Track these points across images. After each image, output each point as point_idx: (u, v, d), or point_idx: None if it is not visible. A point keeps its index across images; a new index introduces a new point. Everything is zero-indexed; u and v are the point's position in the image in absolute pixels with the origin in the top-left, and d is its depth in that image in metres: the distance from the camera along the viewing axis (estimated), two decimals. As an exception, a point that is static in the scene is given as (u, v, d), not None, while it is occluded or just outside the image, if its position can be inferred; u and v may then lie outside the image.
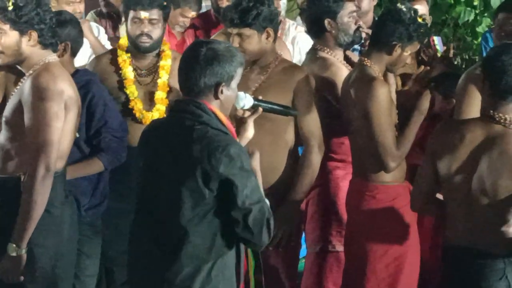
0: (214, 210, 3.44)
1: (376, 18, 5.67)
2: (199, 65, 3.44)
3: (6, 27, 3.91)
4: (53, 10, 4.38)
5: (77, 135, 4.17)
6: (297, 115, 4.28)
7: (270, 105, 3.89)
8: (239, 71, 3.51)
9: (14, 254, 3.81)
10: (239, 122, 3.66)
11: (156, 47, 4.87)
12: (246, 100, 3.70)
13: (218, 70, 3.44)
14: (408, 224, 4.39)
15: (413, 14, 4.45)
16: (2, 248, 3.86)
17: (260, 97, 3.92)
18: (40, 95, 3.85)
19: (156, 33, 4.79)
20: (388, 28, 4.40)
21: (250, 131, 3.67)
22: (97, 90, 4.56)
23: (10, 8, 3.88)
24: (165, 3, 4.81)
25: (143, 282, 3.62)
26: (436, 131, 3.95)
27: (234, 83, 3.51)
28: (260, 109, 3.75)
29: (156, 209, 3.54)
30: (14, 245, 3.81)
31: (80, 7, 6.38)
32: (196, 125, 3.43)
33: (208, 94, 3.45)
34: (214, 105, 3.46)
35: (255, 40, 4.42)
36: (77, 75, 4.40)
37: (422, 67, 4.62)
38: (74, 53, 4.61)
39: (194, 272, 3.47)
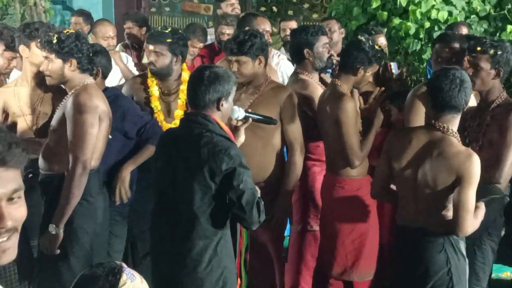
0: (218, 199, 3.48)
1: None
2: (203, 85, 3.49)
3: (52, 56, 3.92)
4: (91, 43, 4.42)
5: (110, 136, 4.15)
6: (276, 124, 4.25)
7: (256, 116, 3.97)
8: (234, 88, 3.58)
9: (53, 232, 3.83)
10: (234, 130, 3.70)
11: (163, 73, 4.76)
12: (239, 113, 3.76)
13: (219, 88, 3.49)
14: (369, 209, 4.40)
15: (371, 43, 4.48)
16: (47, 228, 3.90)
17: (250, 110, 4.01)
18: (79, 109, 3.86)
19: (160, 62, 4.70)
20: (352, 55, 4.41)
21: (242, 137, 3.75)
22: (125, 101, 4.55)
23: (55, 41, 3.90)
24: (169, 40, 4.69)
25: (163, 257, 3.65)
26: (391, 137, 3.96)
27: (231, 98, 3.57)
28: (250, 119, 3.83)
29: (173, 199, 3.57)
30: (54, 225, 3.83)
31: (113, 42, 6.44)
32: (204, 133, 3.47)
33: (212, 107, 3.51)
34: (216, 116, 3.51)
35: (249, 66, 4.39)
36: (107, 91, 4.38)
37: (378, 88, 4.65)
38: (104, 76, 4.58)
39: (203, 248, 3.52)
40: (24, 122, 4.29)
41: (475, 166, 3.44)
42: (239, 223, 3.63)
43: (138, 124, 4.49)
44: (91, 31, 6.52)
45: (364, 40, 4.51)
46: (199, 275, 3.53)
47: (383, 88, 4.55)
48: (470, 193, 3.44)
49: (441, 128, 3.56)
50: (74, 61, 3.93)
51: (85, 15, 7.59)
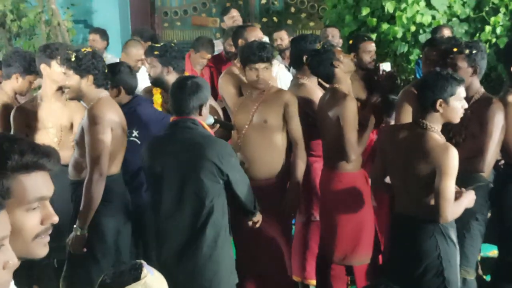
0: (224, 189, 3.62)
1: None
2: (187, 93, 3.58)
3: (70, 72, 3.92)
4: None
5: (139, 142, 4.17)
6: (234, 129, 4.35)
7: (221, 122, 4.18)
8: (210, 95, 3.74)
9: (78, 233, 3.82)
10: None
11: (158, 82, 4.69)
12: (210, 119, 3.88)
13: (200, 96, 3.60)
14: (364, 199, 4.38)
15: (319, 42, 4.54)
16: None
17: (216, 117, 4.12)
18: (92, 121, 3.84)
19: (152, 72, 4.63)
20: (321, 65, 4.37)
21: None
22: (145, 110, 4.44)
23: (73, 59, 3.90)
24: (156, 52, 4.62)
25: (181, 252, 3.65)
26: (382, 134, 4.00)
27: (208, 104, 3.70)
28: (218, 125, 4.04)
29: (181, 199, 3.60)
30: (79, 227, 3.82)
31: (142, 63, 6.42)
32: (196, 135, 3.59)
33: (195, 113, 3.61)
34: (200, 119, 3.63)
35: (270, 72, 4.41)
36: (132, 102, 4.38)
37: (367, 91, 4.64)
38: (128, 92, 4.44)
39: (215, 236, 3.60)
40: (47, 135, 4.28)
41: (451, 158, 3.38)
42: (244, 211, 3.88)
43: (163, 127, 4.47)
44: (123, 50, 6.43)
45: (316, 48, 4.48)
46: (214, 259, 3.61)
47: (378, 99, 4.53)
48: (448, 183, 3.38)
49: (423, 125, 3.52)
50: (90, 77, 3.92)
51: (101, 32, 7.60)
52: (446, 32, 5.88)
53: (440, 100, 3.46)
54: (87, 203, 3.81)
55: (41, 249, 1.66)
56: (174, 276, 3.23)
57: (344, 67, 4.38)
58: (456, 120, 3.57)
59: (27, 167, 1.60)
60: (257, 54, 4.31)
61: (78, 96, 4.00)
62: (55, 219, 1.66)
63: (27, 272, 3.98)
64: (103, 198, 3.85)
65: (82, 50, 3.97)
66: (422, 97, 3.53)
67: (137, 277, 2.15)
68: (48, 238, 1.68)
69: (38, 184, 1.63)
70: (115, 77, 4.28)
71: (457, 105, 3.50)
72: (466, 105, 3.55)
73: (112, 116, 3.92)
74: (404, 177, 3.59)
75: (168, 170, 3.62)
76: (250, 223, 4.00)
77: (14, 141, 1.63)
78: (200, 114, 3.62)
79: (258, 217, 3.99)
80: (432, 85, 3.48)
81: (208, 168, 3.52)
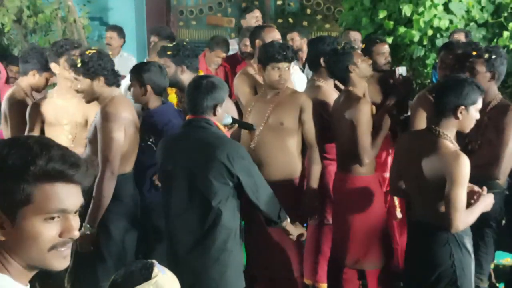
0: (233, 192, 3.57)
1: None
2: (202, 93, 3.56)
3: (80, 77, 3.91)
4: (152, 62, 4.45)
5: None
6: (254, 130, 4.30)
7: (239, 122, 4.13)
8: (227, 96, 3.69)
9: (88, 232, 3.81)
10: None
11: (173, 82, 4.61)
12: (228, 119, 3.83)
13: (215, 95, 3.57)
14: (378, 203, 4.35)
15: (338, 44, 4.53)
16: None
17: (233, 117, 4.06)
18: (105, 118, 3.84)
19: (167, 71, 4.53)
20: (336, 66, 4.37)
21: None
22: (166, 117, 4.33)
23: (79, 64, 3.88)
24: (169, 52, 4.59)
25: (188, 252, 3.63)
26: (398, 140, 3.97)
27: (224, 105, 3.66)
28: (236, 125, 4.00)
29: (193, 198, 3.57)
30: (88, 226, 3.81)
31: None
32: (209, 135, 3.56)
33: (209, 113, 3.58)
34: (214, 119, 3.60)
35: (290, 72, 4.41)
36: (161, 107, 4.32)
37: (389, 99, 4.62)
38: (157, 92, 4.34)
39: (226, 238, 3.56)
40: (62, 132, 4.28)
41: (462, 167, 3.29)
42: (265, 219, 3.75)
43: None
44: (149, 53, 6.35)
45: (335, 48, 4.48)
46: (222, 262, 3.58)
47: (392, 102, 4.49)
48: (458, 192, 3.30)
49: (436, 132, 3.45)
50: (101, 78, 3.92)
51: (118, 30, 7.61)
52: (457, 36, 5.82)
53: (462, 107, 3.39)
54: (98, 201, 3.81)
55: (58, 261, 1.61)
56: (180, 275, 3.23)
57: (360, 72, 4.37)
58: (467, 130, 3.50)
59: (50, 176, 1.55)
60: (281, 53, 4.28)
61: (93, 98, 3.98)
62: (75, 234, 1.61)
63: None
64: (113, 196, 3.85)
65: (87, 52, 3.94)
66: (442, 102, 3.43)
67: (147, 277, 2.15)
68: (68, 251, 1.63)
69: (62, 196, 1.57)
70: (143, 75, 4.25)
71: (475, 115, 3.44)
72: (478, 117, 3.49)
73: (126, 114, 3.92)
74: (417, 184, 3.55)
75: (179, 169, 3.60)
76: (292, 237, 3.91)
77: (46, 146, 1.56)
78: (214, 114, 3.58)
79: (292, 230, 3.86)
80: (456, 90, 3.40)
81: (217, 169, 3.48)
